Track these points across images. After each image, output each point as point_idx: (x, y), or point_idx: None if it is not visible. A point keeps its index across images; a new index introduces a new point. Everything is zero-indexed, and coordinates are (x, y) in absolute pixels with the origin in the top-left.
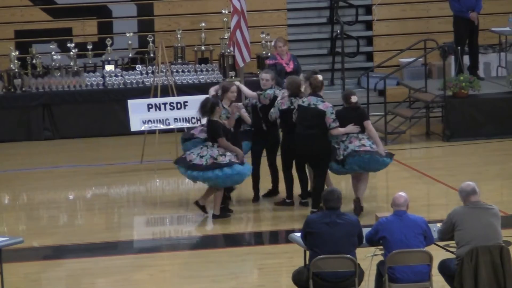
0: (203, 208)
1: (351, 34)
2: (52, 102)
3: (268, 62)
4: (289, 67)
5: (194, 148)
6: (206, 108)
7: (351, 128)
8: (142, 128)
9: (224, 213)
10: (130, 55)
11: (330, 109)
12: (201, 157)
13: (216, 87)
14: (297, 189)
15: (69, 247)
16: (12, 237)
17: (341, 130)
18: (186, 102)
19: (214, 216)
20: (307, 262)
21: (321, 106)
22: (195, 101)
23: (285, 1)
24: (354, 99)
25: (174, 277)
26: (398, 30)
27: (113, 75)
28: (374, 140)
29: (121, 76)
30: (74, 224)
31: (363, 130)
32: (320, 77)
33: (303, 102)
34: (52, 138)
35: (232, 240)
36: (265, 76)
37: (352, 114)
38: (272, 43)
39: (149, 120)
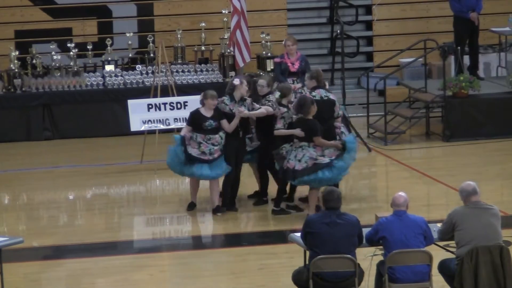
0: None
1: (351, 34)
2: (52, 102)
3: (275, 60)
4: (294, 67)
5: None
6: (306, 107)
7: None
8: (142, 128)
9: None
10: (130, 55)
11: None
12: (299, 161)
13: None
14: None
15: (69, 247)
16: (12, 237)
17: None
18: (186, 102)
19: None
20: (307, 262)
21: (331, 96)
22: (195, 101)
23: (285, 1)
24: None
25: (174, 277)
26: (398, 30)
27: (113, 75)
28: None
29: (121, 76)
30: (74, 224)
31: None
32: (320, 69)
33: (314, 96)
34: (52, 138)
35: (232, 240)
36: (261, 83)
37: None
38: (283, 42)
39: (149, 120)
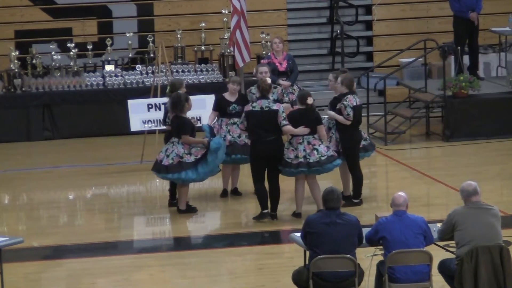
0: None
1: (351, 34)
2: (52, 102)
3: (262, 61)
4: (282, 67)
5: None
6: (180, 105)
7: (301, 129)
8: (142, 128)
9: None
10: (130, 55)
11: (281, 108)
12: (167, 156)
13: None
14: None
15: (69, 247)
16: (12, 237)
17: (292, 129)
18: None
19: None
20: (307, 262)
21: (274, 107)
22: (195, 101)
23: (285, 1)
24: (310, 100)
25: (174, 277)
26: (398, 30)
27: (113, 75)
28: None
29: (121, 76)
30: (74, 224)
31: (314, 131)
32: (269, 80)
33: (253, 107)
34: (52, 138)
35: (232, 240)
36: (262, 69)
37: (306, 116)
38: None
39: (149, 120)
